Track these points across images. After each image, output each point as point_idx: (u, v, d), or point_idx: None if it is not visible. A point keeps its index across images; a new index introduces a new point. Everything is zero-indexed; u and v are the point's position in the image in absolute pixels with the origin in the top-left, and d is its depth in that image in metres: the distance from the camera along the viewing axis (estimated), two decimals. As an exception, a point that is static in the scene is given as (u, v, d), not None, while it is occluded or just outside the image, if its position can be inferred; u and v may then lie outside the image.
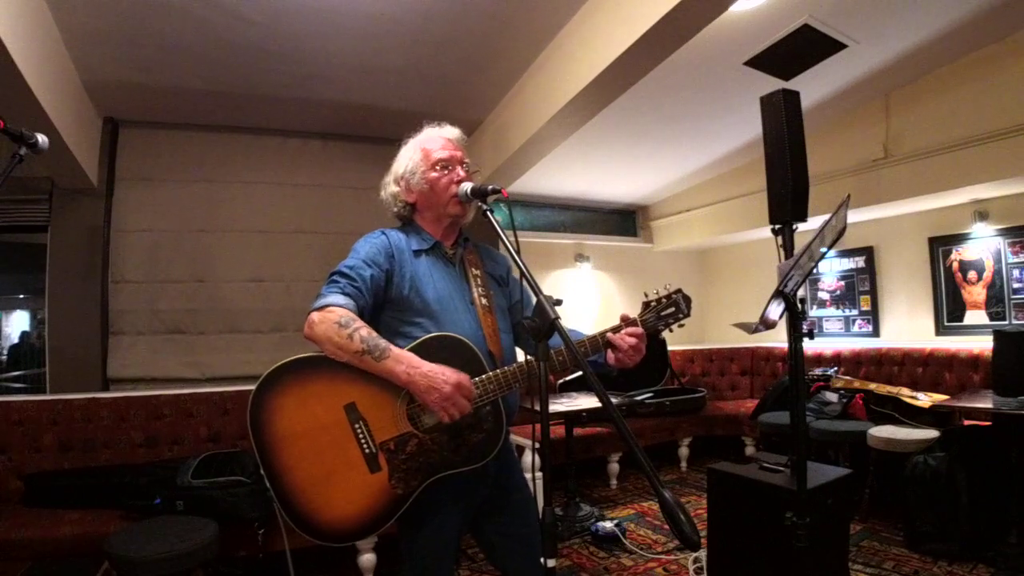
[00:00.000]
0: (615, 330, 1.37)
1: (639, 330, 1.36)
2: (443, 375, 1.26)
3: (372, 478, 1.29)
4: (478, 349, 1.36)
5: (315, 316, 1.29)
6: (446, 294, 1.43)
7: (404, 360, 1.27)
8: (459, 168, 1.49)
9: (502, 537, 1.49)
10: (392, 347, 1.28)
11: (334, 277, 1.36)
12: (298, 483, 1.28)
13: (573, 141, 3.61)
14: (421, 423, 1.33)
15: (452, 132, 1.55)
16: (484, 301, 1.49)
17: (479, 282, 1.51)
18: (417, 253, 1.46)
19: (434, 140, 1.51)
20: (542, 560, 1.05)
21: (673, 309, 1.40)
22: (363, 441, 1.30)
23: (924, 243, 4.26)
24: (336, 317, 1.27)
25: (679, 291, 1.41)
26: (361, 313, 1.33)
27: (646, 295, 1.43)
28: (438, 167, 1.47)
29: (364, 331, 1.27)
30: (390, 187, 1.53)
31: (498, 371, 1.33)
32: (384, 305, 1.41)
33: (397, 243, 1.45)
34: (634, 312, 1.42)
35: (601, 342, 1.37)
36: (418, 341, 1.34)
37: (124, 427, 2.96)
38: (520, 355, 1.55)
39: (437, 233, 1.51)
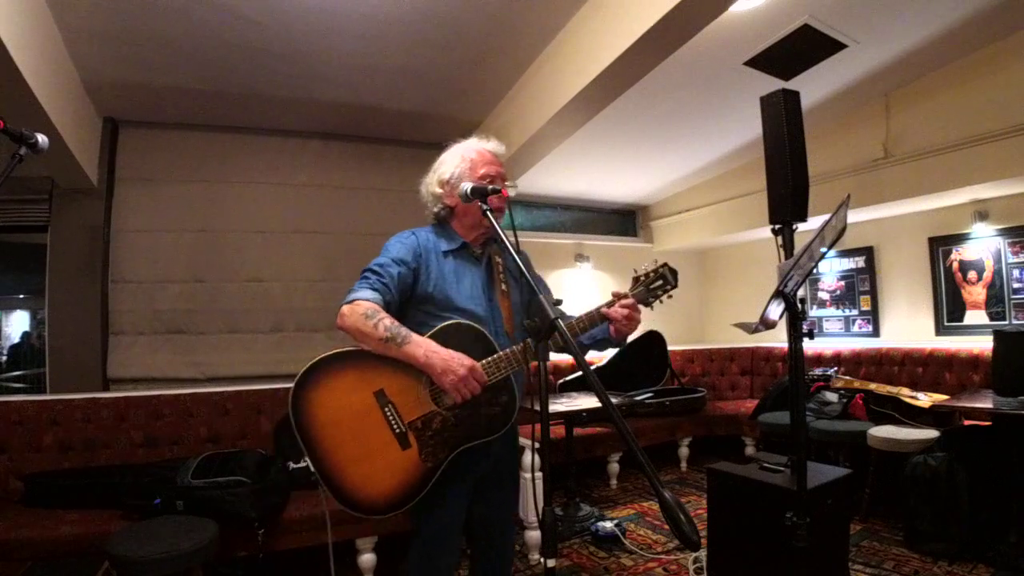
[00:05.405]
0: (608, 305, 1.50)
1: (630, 300, 1.50)
2: (458, 359, 1.38)
3: (404, 454, 1.42)
4: (492, 335, 1.48)
5: (345, 308, 1.43)
6: (467, 290, 1.55)
7: (423, 345, 1.40)
8: (501, 184, 1.58)
9: (487, 505, 1.62)
10: (412, 334, 1.41)
11: (365, 274, 1.50)
12: (339, 463, 1.41)
13: (573, 141, 3.61)
14: (443, 402, 1.45)
15: (498, 148, 1.66)
16: (504, 289, 1.62)
17: (502, 277, 1.64)
18: (446, 254, 1.58)
19: (481, 153, 1.61)
20: (542, 560, 1.06)
21: (661, 281, 1.54)
22: (393, 422, 1.43)
23: (924, 243, 4.26)
24: (363, 309, 1.40)
25: (665, 264, 1.55)
26: (388, 306, 1.45)
27: (635, 271, 1.56)
28: (483, 180, 1.55)
29: (387, 321, 1.40)
30: (433, 187, 1.62)
31: (508, 350, 1.45)
32: (411, 299, 1.54)
33: (425, 243, 1.57)
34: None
35: (597, 316, 1.50)
36: (436, 328, 1.46)
37: (124, 427, 2.96)
38: None
39: (467, 236, 1.61)
